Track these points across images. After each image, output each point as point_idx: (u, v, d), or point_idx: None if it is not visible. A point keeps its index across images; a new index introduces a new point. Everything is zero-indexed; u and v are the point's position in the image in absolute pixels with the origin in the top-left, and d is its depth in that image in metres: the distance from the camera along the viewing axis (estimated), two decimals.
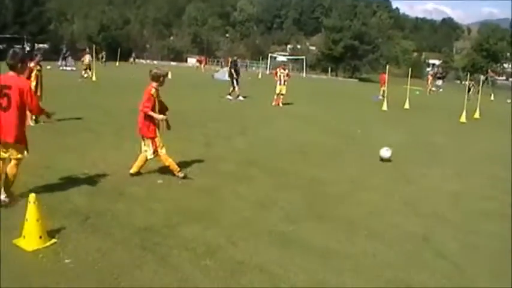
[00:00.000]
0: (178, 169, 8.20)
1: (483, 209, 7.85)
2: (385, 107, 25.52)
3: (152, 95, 7.86)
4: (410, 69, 35.54)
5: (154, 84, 7.97)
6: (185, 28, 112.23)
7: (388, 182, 9.22)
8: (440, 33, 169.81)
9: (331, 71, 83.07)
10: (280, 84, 22.69)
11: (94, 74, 32.46)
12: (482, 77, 47.76)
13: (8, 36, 64.91)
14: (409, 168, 10.71)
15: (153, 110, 7.82)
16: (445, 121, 22.56)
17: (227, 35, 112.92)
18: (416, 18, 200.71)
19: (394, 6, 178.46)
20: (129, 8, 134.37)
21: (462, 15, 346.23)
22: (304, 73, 73.68)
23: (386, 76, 33.05)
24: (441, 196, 8.49)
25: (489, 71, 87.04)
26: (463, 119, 22.87)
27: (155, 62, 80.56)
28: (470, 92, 55.33)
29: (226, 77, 44.13)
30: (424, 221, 7.01)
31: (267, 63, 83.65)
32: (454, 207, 7.84)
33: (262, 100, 23.58)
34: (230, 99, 23.99)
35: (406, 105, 28.18)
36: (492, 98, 49.90)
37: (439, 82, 49.57)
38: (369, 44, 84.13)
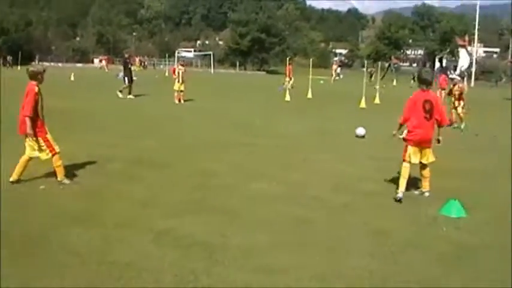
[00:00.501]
0: (63, 174, 7.93)
1: (364, 190, 8.17)
2: (288, 98, 25.99)
3: (36, 94, 7.45)
4: (311, 60, 36.32)
5: (34, 82, 7.55)
6: (90, 28, 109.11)
7: (279, 170, 9.24)
8: (346, 23, 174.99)
9: (240, 65, 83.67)
10: (178, 81, 22.62)
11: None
12: (386, 64, 49.72)
13: None
14: (302, 155, 10.86)
15: (36, 110, 7.47)
16: (345, 108, 23.36)
17: (134, 33, 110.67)
18: (322, 9, 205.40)
19: None
20: (32, 9, 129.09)
21: (367, 5, 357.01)
22: (212, 69, 73.62)
23: (289, 67, 34.05)
24: (327, 179, 8.74)
25: (392, 57, 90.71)
26: (362, 104, 23.74)
27: (59, 64, 78.04)
28: (372, 78, 57.70)
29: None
30: (307, 204, 7.16)
31: (175, 61, 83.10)
32: (337, 190, 8.10)
33: (167, 98, 23.27)
34: (120, 96, 23.49)
35: (309, 95, 28.85)
36: (395, 83, 52.05)
37: (338, 70, 51.28)
38: (276, 36, 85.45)
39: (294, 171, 9.34)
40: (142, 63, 77.80)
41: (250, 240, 5.70)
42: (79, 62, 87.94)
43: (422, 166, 7.80)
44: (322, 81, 45.19)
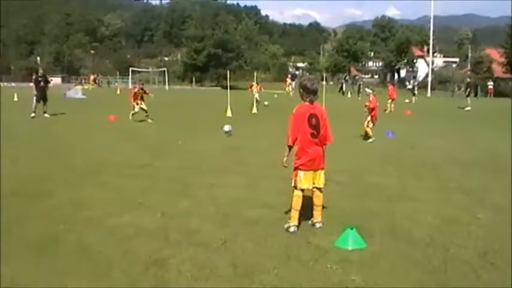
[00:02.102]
0: None
1: (254, 218, 6.98)
2: (229, 113, 24.80)
3: None
4: (255, 74, 35.11)
5: None
6: (46, 47, 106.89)
7: (165, 197, 8.14)
8: (308, 37, 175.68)
9: (197, 81, 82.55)
10: (138, 104, 21.25)
11: None
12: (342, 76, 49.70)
13: None
14: (200, 177, 9.71)
15: None
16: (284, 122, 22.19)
17: (92, 51, 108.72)
18: (285, 24, 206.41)
19: (264, 14, 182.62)
20: None
21: (329, 19, 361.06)
22: (167, 85, 72.25)
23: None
24: (214, 207, 7.53)
25: (352, 69, 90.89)
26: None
27: (13, 83, 75.62)
28: (344, 89, 57.93)
29: (80, 95, 42.23)
30: (175, 241, 5.96)
31: (134, 77, 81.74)
32: (220, 220, 6.90)
33: (93, 116, 21.85)
34: (33, 117, 22.30)
35: (254, 110, 27.82)
36: (349, 95, 51.57)
37: (293, 84, 51.00)
38: (232, 51, 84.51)
39: (182, 198, 8.11)
40: (97, 81, 76.13)
41: None
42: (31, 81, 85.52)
43: (315, 191, 6.65)
44: (276, 95, 44.21)
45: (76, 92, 43.39)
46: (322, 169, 6.54)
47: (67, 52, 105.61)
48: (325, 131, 6.35)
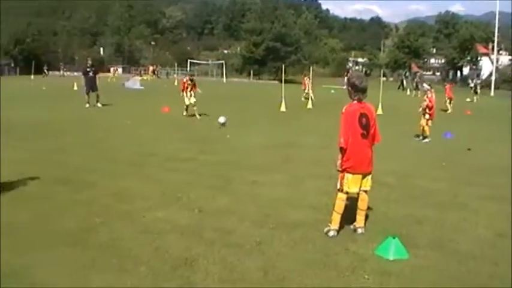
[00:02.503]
0: None
1: (293, 220, 6.71)
2: (283, 108, 24.51)
3: None
4: (311, 69, 34.66)
5: None
6: (108, 38, 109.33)
7: (205, 191, 7.97)
8: (369, 32, 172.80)
9: (254, 74, 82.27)
10: (187, 95, 20.01)
11: None
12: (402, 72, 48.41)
13: None
14: (243, 174, 9.49)
15: None
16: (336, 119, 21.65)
17: (152, 42, 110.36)
18: (345, 18, 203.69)
19: (324, 8, 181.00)
20: (58, 18, 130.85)
21: (391, 14, 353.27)
22: (225, 77, 72.44)
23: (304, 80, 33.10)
24: (253, 207, 7.31)
25: (413, 66, 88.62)
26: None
27: (75, 73, 77.68)
28: (405, 85, 56.49)
29: (138, 86, 42.83)
30: (208, 240, 5.79)
31: (193, 69, 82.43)
32: (259, 221, 6.66)
33: (148, 107, 21.96)
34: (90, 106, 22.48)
35: (309, 105, 27.42)
36: (408, 92, 50.22)
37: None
38: (291, 45, 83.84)
39: (222, 194, 7.93)
40: (156, 73, 77.27)
41: None
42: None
43: (361, 194, 6.27)
44: (333, 91, 43.45)
45: (134, 82, 44.06)
46: (371, 172, 6.19)
47: (128, 43, 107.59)
48: (374, 131, 6.01)
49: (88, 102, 22.35)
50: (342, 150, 5.97)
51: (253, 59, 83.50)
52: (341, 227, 6.20)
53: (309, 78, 31.21)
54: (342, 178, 6.07)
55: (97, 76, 23.44)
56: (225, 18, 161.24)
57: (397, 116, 22.90)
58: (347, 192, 6.09)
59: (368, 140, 5.98)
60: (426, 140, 15.30)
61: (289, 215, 6.90)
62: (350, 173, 5.99)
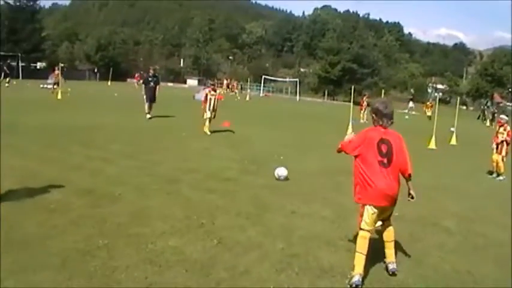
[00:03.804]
0: None
1: (322, 264, 5.75)
2: (350, 130, 23.31)
3: None
4: (382, 91, 33.28)
5: None
6: (187, 49, 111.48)
7: (233, 220, 7.14)
8: (452, 58, 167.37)
9: (329, 94, 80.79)
10: (209, 109, 18.06)
11: (59, 93, 31.28)
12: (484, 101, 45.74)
13: (1, 53, 64.18)
14: (281, 203, 8.55)
15: None
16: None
17: (230, 57, 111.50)
18: (428, 43, 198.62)
19: (407, 31, 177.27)
20: (143, 28, 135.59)
21: (475, 41, 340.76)
22: (298, 96, 71.53)
23: (362, 100, 32.04)
24: (279, 242, 6.39)
25: (495, 95, 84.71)
26: (432, 144, 20.58)
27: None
28: (486, 115, 53.41)
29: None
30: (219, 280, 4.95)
31: (268, 86, 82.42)
32: (278, 264, 5.75)
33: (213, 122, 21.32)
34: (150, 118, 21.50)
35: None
36: (488, 123, 47.52)
37: (411, 104, 47.44)
38: (368, 67, 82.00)
39: (251, 225, 7.06)
40: (230, 87, 77.44)
41: None
42: (172, 81, 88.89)
43: (385, 223, 5.57)
44: (407, 117, 41.55)
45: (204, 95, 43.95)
46: (391, 209, 5.46)
47: (206, 56, 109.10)
48: (400, 159, 5.32)
49: (148, 113, 21.73)
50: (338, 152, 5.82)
51: (329, 79, 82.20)
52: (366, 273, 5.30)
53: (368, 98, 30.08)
54: (361, 214, 5.41)
55: (158, 87, 22.44)
56: (305, 36, 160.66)
57: (472, 149, 21.28)
58: (368, 230, 5.35)
59: (390, 169, 5.26)
60: (500, 177, 13.77)
61: (321, 258, 5.93)
62: (369, 205, 5.30)
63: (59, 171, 9.43)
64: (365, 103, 32.00)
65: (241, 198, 8.53)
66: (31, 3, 74.73)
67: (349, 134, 6.09)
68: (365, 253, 5.23)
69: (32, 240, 5.75)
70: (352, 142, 5.49)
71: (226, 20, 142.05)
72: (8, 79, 41.85)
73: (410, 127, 29.04)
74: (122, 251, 5.58)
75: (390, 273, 5.43)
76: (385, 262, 5.54)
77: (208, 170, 10.88)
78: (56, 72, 35.03)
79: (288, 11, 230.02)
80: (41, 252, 5.41)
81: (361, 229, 5.30)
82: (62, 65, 38.29)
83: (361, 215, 5.33)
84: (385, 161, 5.24)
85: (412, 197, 5.49)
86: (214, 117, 18.53)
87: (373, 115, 5.51)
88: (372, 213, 5.23)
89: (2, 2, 73.42)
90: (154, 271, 5.10)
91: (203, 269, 5.27)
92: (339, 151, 5.76)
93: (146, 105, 21.61)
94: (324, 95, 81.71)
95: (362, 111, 32.51)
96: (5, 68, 44.74)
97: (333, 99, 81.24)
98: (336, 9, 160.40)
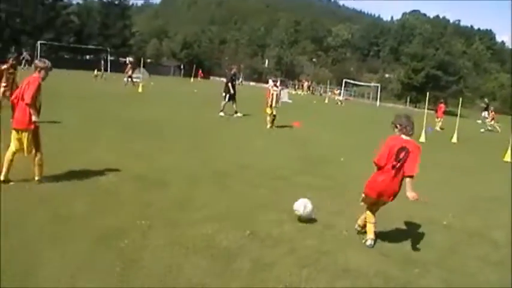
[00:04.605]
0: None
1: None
2: (422, 139, 22.73)
3: (39, 85, 7.27)
4: (460, 101, 32.07)
5: (37, 75, 7.39)
6: (271, 50, 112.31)
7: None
8: None
9: (411, 101, 78.64)
10: (270, 105, 19.30)
11: (140, 86, 32.72)
12: None
13: (92, 47, 67.48)
14: (339, 202, 8.59)
15: (35, 100, 7.22)
16: (482, 158, 19.45)
17: (314, 59, 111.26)
18: None
19: (500, 39, 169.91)
20: (230, 28, 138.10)
21: None
22: (378, 102, 70.17)
23: (439, 107, 31.09)
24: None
25: None
26: (507, 157, 19.66)
27: (223, 79, 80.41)
28: None
29: (285, 99, 42.90)
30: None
31: (350, 90, 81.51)
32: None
33: (282, 121, 21.49)
34: (222, 116, 21.66)
35: (454, 139, 25.28)
36: None
37: (485, 113, 44.93)
38: (454, 74, 79.16)
39: (290, 222, 7.09)
40: (311, 89, 77.43)
41: None
42: (255, 81, 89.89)
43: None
44: (482, 130, 39.73)
45: (283, 95, 44.17)
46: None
47: (289, 57, 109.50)
48: (409, 163, 6.03)
49: (222, 110, 21.90)
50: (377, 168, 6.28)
51: (412, 86, 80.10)
52: None
53: (444, 105, 29.13)
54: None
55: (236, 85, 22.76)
56: (392, 41, 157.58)
57: None
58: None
59: (396, 172, 6.07)
60: None
61: (350, 258, 5.89)
62: (369, 196, 6.37)
63: (119, 158, 10.00)
64: (442, 110, 31.00)
65: (287, 196, 8.56)
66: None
67: None
68: (372, 222, 6.46)
69: (76, 217, 6.23)
70: (382, 156, 6.14)
71: (312, 22, 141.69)
72: (101, 72, 44.27)
73: (488, 138, 28.02)
74: (156, 233, 5.90)
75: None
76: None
77: (263, 167, 11.05)
78: (129, 66, 36.76)
79: (376, 15, 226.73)
80: (80, 227, 5.86)
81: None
82: (131, 59, 40.20)
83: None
84: (398, 165, 6.02)
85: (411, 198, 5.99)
86: (274, 113, 19.27)
87: (398, 125, 6.24)
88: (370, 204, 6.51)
89: None
90: (181, 253, 5.36)
91: (228, 256, 5.46)
92: (379, 167, 6.24)
93: (224, 103, 22.00)
94: (406, 101, 79.81)
95: (438, 119, 31.56)
96: (102, 61, 47.55)
97: (415, 106, 79.14)
98: (425, 14, 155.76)
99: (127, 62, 38.53)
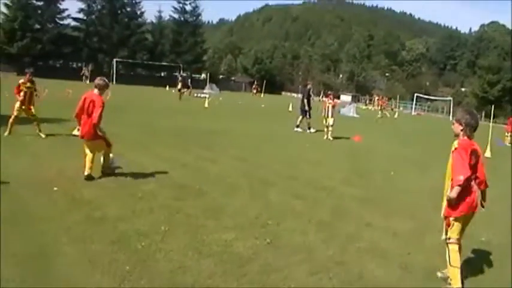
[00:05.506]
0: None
1: None
2: (488, 153, 21.83)
3: (103, 105, 8.57)
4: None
5: (98, 93, 8.67)
6: (343, 65, 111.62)
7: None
8: None
9: (486, 116, 75.22)
10: (326, 116, 20.15)
11: (206, 101, 33.61)
12: None
13: (165, 64, 69.63)
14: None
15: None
16: None
17: (387, 74, 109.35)
18: None
19: None
20: (303, 43, 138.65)
21: None
22: (451, 116, 67.93)
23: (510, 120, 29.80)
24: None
25: None
26: None
27: (294, 95, 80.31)
28: None
29: (352, 113, 42.56)
30: None
31: (423, 105, 79.63)
32: None
33: (342, 134, 21.29)
34: (299, 131, 21.67)
35: None
36: None
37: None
38: None
39: (318, 232, 7.05)
40: (379, 103, 76.00)
41: None
42: (327, 96, 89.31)
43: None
44: None
45: (349, 109, 43.89)
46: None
47: (361, 72, 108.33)
48: (481, 171, 5.41)
49: (298, 126, 21.95)
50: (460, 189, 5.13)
51: (487, 99, 76.99)
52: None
53: None
54: (448, 225, 5.36)
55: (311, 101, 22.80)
56: (470, 54, 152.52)
57: None
58: (458, 240, 5.35)
59: (475, 179, 5.32)
60: None
61: (366, 269, 5.75)
62: (459, 217, 5.29)
63: (165, 167, 10.36)
64: None
65: (323, 206, 8.53)
66: (194, 18, 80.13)
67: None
68: (459, 266, 5.27)
69: (105, 219, 6.57)
70: (465, 165, 5.14)
71: (385, 36, 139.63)
72: (187, 90, 42.95)
73: None
74: (175, 237, 6.08)
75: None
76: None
77: (308, 178, 11.08)
78: (179, 79, 41.55)
79: (454, 28, 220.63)
80: (105, 229, 6.17)
81: (450, 243, 5.34)
82: (184, 74, 42.95)
83: (448, 227, 5.38)
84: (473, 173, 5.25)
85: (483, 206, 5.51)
86: (330, 124, 19.91)
87: (464, 126, 5.32)
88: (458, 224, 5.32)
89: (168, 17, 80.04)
90: (193, 257, 5.49)
91: (240, 261, 5.55)
92: (462, 186, 5.15)
93: (300, 119, 22.22)
94: (481, 116, 76.66)
95: (508, 134, 30.23)
96: (188, 79, 50.81)
97: (490, 121, 75.76)
98: (504, 25, 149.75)
99: (179, 77, 41.43)
